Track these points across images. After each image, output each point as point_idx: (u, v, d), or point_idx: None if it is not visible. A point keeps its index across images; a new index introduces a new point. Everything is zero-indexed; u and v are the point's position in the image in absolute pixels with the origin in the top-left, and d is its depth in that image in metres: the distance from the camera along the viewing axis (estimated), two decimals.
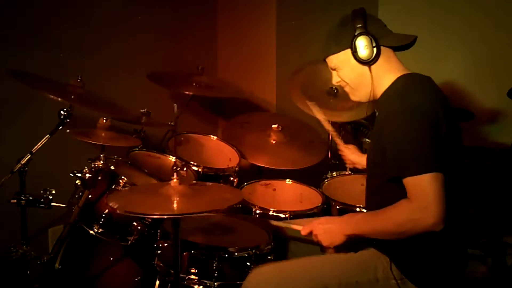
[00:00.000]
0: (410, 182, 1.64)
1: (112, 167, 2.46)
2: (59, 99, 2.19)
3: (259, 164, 3.00)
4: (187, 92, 2.96)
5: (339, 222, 1.86)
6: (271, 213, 2.57)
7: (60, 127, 2.25)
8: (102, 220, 2.37)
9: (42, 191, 2.23)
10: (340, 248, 1.88)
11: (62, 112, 2.24)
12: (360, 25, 1.80)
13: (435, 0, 3.06)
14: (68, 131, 2.40)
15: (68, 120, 2.25)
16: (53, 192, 2.24)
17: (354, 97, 1.93)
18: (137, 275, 2.46)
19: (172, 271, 2.10)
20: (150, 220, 2.36)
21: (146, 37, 3.40)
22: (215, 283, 2.05)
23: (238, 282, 2.06)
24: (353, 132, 3.03)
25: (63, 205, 2.36)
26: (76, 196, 2.41)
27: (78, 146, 2.70)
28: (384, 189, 1.79)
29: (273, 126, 3.05)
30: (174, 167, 1.86)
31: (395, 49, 1.86)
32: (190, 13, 3.74)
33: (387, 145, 1.70)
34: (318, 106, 2.75)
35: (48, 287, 2.40)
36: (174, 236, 1.85)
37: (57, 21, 2.90)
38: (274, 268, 1.87)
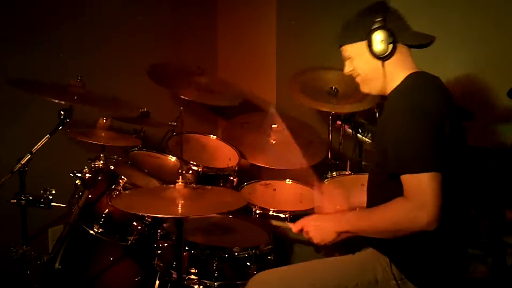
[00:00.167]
0: (408, 180, 1.64)
1: (112, 167, 2.46)
2: (61, 101, 2.19)
3: (259, 164, 3.00)
4: (186, 98, 2.95)
5: (330, 219, 1.86)
6: (271, 213, 2.57)
7: (60, 127, 2.26)
8: (102, 220, 2.37)
9: (42, 191, 2.23)
10: (335, 248, 1.88)
11: (62, 112, 2.24)
12: (379, 19, 1.77)
13: (435, 0, 3.06)
14: (68, 131, 2.40)
15: (68, 120, 2.25)
16: (53, 192, 2.24)
17: (365, 88, 1.91)
18: (137, 275, 2.46)
19: (172, 271, 2.10)
20: (150, 220, 2.36)
21: (146, 37, 3.40)
22: (215, 283, 2.05)
23: (238, 282, 2.07)
24: (353, 131, 3.03)
25: (63, 205, 2.36)
26: (76, 196, 2.41)
27: (78, 146, 2.70)
28: (386, 189, 1.78)
29: (273, 126, 3.05)
30: (180, 170, 1.87)
31: (411, 46, 1.85)
32: (190, 13, 3.74)
33: (388, 144, 1.70)
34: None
35: (48, 287, 2.40)
36: (178, 237, 1.86)
37: (57, 21, 2.90)
38: (274, 274, 1.86)
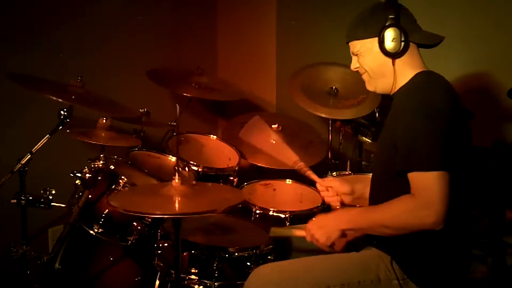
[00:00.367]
0: (416, 177, 1.62)
1: (112, 167, 2.46)
2: (60, 100, 2.19)
3: (259, 164, 3.00)
4: (186, 94, 2.95)
5: (333, 217, 1.83)
6: (271, 213, 2.57)
7: (60, 127, 2.26)
8: (102, 220, 2.37)
9: (42, 191, 2.24)
10: (342, 247, 1.87)
11: (62, 112, 2.24)
12: (392, 16, 1.76)
13: (435, 0, 3.06)
14: (68, 131, 2.40)
15: (68, 120, 2.25)
16: (53, 192, 2.24)
17: (370, 86, 1.89)
18: (137, 275, 2.46)
19: (172, 271, 2.10)
20: (150, 220, 2.36)
21: (146, 37, 3.40)
22: (215, 283, 2.05)
23: (238, 282, 2.06)
24: (353, 132, 3.03)
25: (63, 205, 2.36)
26: (76, 196, 2.41)
27: (78, 146, 2.70)
28: (389, 189, 1.76)
29: (273, 126, 3.05)
30: (176, 167, 1.85)
31: (420, 46, 1.84)
32: (190, 14, 3.74)
33: (398, 140, 1.67)
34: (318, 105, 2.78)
35: (48, 287, 2.40)
36: (176, 236, 1.85)
37: (57, 21, 2.90)
38: (275, 268, 1.85)
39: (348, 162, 2.91)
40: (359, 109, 2.87)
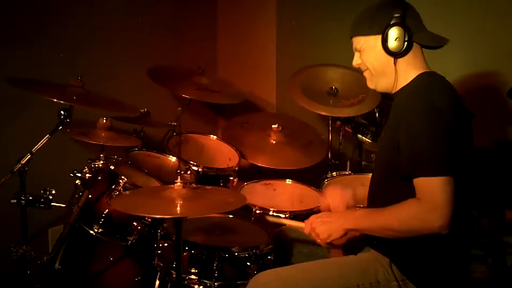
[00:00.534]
0: (422, 182, 1.62)
1: (112, 167, 2.46)
2: (60, 101, 2.19)
3: (259, 164, 3.00)
4: (187, 96, 2.95)
5: (339, 215, 1.84)
6: (271, 213, 2.57)
7: (60, 127, 2.26)
8: (102, 220, 2.37)
9: (42, 191, 2.24)
10: (342, 248, 1.86)
11: (62, 112, 2.24)
12: (398, 15, 1.74)
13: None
14: (68, 131, 2.40)
15: (68, 120, 2.25)
16: (53, 192, 2.24)
17: (371, 84, 1.88)
18: (137, 275, 2.46)
19: (172, 271, 2.10)
20: (150, 220, 2.36)
21: (146, 36, 3.40)
22: (215, 283, 2.05)
23: (238, 282, 2.06)
24: (353, 131, 3.03)
25: (63, 205, 2.36)
26: (76, 196, 2.41)
27: (78, 146, 2.70)
28: (390, 188, 1.77)
29: (273, 126, 3.05)
30: (178, 170, 1.86)
31: (424, 46, 1.82)
32: (190, 14, 3.74)
33: (402, 143, 1.67)
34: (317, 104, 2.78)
35: (48, 287, 2.40)
36: (177, 237, 1.86)
37: (57, 21, 2.90)
38: (274, 275, 1.84)
39: (348, 162, 2.91)
40: (359, 107, 2.87)
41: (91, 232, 2.36)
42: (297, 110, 2.97)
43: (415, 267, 1.75)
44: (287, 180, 2.91)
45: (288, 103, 3.34)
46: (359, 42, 1.84)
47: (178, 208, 1.77)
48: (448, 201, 1.59)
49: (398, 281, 1.74)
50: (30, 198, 2.21)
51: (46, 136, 2.23)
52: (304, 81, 3.01)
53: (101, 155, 2.46)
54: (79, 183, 2.40)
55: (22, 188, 2.21)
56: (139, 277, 2.45)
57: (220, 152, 3.05)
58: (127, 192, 2.33)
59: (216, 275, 2.05)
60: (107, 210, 2.37)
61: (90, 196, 2.39)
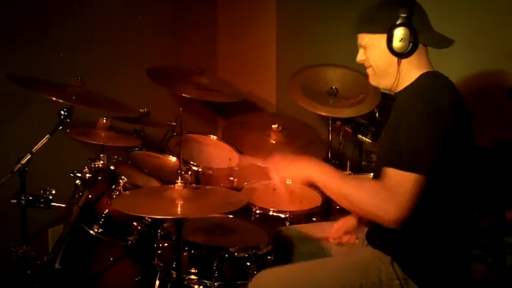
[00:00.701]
0: (393, 172, 1.61)
1: (112, 167, 2.46)
2: (60, 100, 2.19)
3: (259, 164, 3.00)
4: (186, 95, 2.95)
5: (310, 164, 1.77)
6: (271, 213, 2.57)
7: (60, 127, 2.25)
8: (102, 220, 2.37)
9: (42, 191, 2.23)
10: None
11: (62, 112, 2.24)
12: (404, 15, 1.71)
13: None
14: (68, 131, 2.40)
15: (68, 120, 2.25)
16: (53, 192, 2.24)
17: (374, 81, 1.87)
18: (137, 275, 2.46)
19: (172, 271, 2.10)
20: (150, 220, 2.36)
21: (146, 36, 3.40)
22: (215, 283, 2.05)
23: (238, 282, 2.06)
24: (353, 132, 3.03)
25: (63, 205, 2.36)
26: (76, 196, 2.41)
27: (78, 146, 2.70)
28: None
29: (273, 126, 3.05)
30: (179, 171, 1.86)
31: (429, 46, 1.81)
32: (190, 13, 3.74)
33: (402, 143, 1.65)
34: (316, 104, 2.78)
35: (48, 287, 2.40)
36: (177, 237, 1.86)
37: (57, 21, 2.90)
38: (275, 274, 1.83)
39: (348, 162, 2.90)
40: (359, 107, 2.87)
41: (91, 232, 2.36)
42: (297, 110, 2.96)
43: (417, 266, 1.75)
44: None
45: (288, 103, 3.34)
46: (364, 39, 1.82)
47: (179, 209, 1.77)
48: (411, 200, 1.57)
49: (400, 280, 1.73)
50: (30, 198, 2.21)
51: (46, 136, 2.23)
52: (304, 81, 3.01)
53: (101, 155, 2.46)
54: (79, 183, 2.40)
55: (22, 188, 2.21)
56: (139, 277, 2.45)
57: (220, 152, 3.05)
58: (127, 192, 2.33)
59: (216, 275, 2.05)
60: (107, 210, 2.37)
61: (90, 196, 2.39)
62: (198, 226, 2.24)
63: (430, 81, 1.74)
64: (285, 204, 2.74)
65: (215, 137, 3.11)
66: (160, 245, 2.17)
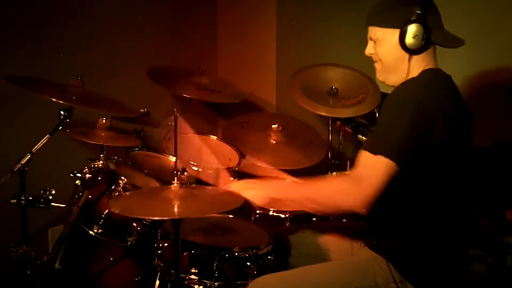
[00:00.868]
0: (364, 155, 1.61)
1: (112, 167, 2.46)
2: (60, 101, 2.19)
3: (259, 164, 3.00)
4: (186, 96, 2.95)
5: (266, 183, 1.84)
6: (271, 213, 2.57)
7: (60, 127, 2.26)
8: (102, 220, 2.37)
9: (42, 191, 2.24)
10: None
11: (62, 112, 2.24)
12: (419, 12, 1.70)
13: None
14: (68, 131, 2.40)
15: (68, 120, 2.25)
16: (53, 192, 2.24)
17: (381, 76, 1.86)
18: (137, 275, 2.46)
19: (172, 271, 2.10)
20: (149, 220, 2.36)
21: (147, 36, 3.40)
22: (215, 283, 2.05)
23: (238, 282, 2.06)
24: (353, 132, 3.03)
25: (63, 205, 2.36)
26: (76, 196, 2.41)
27: (78, 146, 2.70)
28: (390, 189, 1.76)
29: (273, 126, 3.05)
30: (174, 171, 1.86)
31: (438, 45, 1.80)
32: (190, 13, 3.74)
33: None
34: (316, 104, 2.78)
35: (48, 287, 2.40)
36: (175, 237, 1.86)
37: (56, 21, 2.90)
38: (273, 279, 1.84)
39: (348, 162, 2.91)
40: (359, 107, 2.87)
41: (91, 232, 2.36)
42: (297, 110, 2.96)
43: (413, 268, 1.74)
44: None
45: (288, 103, 3.34)
46: (376, 32, 1.80)
47: (176, 209, 1.76)
48: (377, 179, 1.57)
49: (396, 283, 1.73)
50: (30, 198, 2.21)
51: (46, 136, 2.23)
52: (304, 81, 3.01)
53: (101, 155, 2.46)
54: (79, 183, 2.40)
55: (22, 188, 2.21)
56: (139, 277, 2.45)
57: (220, 152, 3.05)
58: (127, 193, 2.32)
59: (216, 275, 2.05)
60: (107, 211, 2.37)
61: (90, 196, 2.39)
62: (198, 226, 2.24)
63: (426, 77, 1.74)
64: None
65: (215, 137, 3.11)
66: (160, 245, 2.17)
